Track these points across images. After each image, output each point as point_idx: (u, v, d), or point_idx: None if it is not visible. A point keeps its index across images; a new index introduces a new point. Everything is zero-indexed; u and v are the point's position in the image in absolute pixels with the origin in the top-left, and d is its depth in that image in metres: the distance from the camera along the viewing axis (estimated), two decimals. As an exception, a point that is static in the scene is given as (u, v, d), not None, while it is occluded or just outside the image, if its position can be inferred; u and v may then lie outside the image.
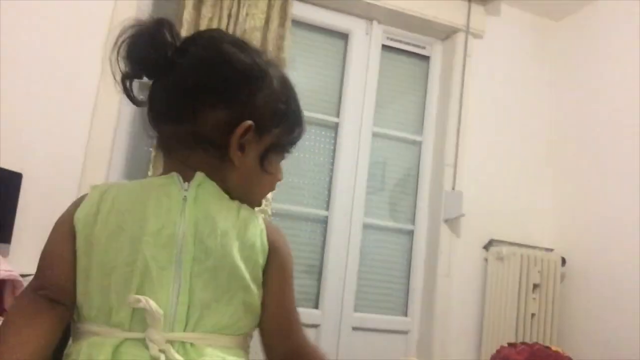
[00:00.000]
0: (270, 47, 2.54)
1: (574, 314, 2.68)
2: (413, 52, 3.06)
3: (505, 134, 2.99)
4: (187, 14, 2.42)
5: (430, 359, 2.70)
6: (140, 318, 0.69)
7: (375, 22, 2.95)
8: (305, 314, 2.67)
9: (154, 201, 0.74)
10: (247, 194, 0.81)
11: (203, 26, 2.43)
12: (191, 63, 0.78)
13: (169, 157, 0.80)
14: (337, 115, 2.86)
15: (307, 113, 2.89)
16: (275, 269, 0.79)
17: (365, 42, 2.94)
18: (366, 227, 2.84)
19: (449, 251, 2.82)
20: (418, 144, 3.02)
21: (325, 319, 2.69)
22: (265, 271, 0.78)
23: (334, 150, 2.84)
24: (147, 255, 0.70)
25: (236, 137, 0.78)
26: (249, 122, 0.78)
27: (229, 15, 2.48)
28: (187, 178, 0.77)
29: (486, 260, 2.82)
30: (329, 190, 2.81)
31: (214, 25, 2.45)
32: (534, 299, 2.63)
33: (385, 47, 2.98)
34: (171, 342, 0.68)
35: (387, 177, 2.97)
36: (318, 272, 2.74)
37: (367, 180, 2.86)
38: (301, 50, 2.83)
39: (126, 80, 0.80)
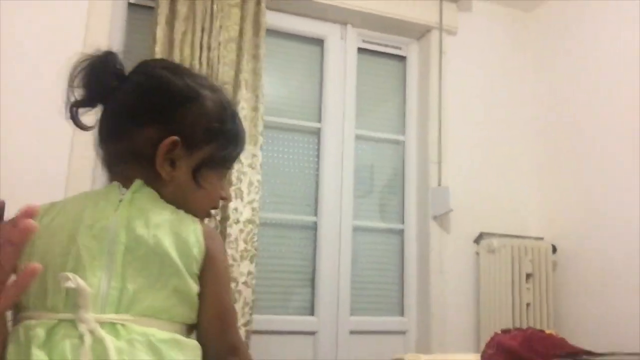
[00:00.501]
0: (246, 57, 2.55)
1: (567, 300, 2.69)
2: (389, 53, 3.08)
3: (488, 126, 3.01)
4: (160, 30, 2.42)
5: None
6: (73, 302, 0.72)
7: (349, 26, 2.96)
8: (301, 321, 2.66)
9: (92, 203, 0.81)
10: (183, 208, 0.85)
11: (177, 41, 2.43)
12: (129, 88, 0.88)
13: (111, 172, 0.89)
14: (319, 120, 2.86)
15: (288, 120, 2.91)
16: (211, 271, 0.82)
17: (341, 47, 2.95)
18: (356, 229, 2.84)
19: (439, 248, 2.82)
20: (401, 144, 3.03)
21: (322, 326, 2.68)
22: (201, 273, 0.81)
23: (318, 156, 2.84)
24: (80, 245, 0.76)
25: (161, 151, 0.84)
26: (174, 137, 0.84)
27: (202, 29, 2.49)
28: (127, 187, 0.84)
29: (478, 253, 2.82)
30: (316, 196, 2.80)
31: (189, 40, 2.45)
32: (528, 288, 2.64)
33: (361, 50, 3.00)
34: (101, 323, 0.71)
35: (374, 179, 2.97)
36: (311, 279, 2.73)
37: (355, 183, 2.86)
38: (278, 58, 2.83)
39: (74, 107, 0.88)
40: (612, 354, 1.27)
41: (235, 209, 2.41)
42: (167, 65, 0.95)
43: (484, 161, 2.95)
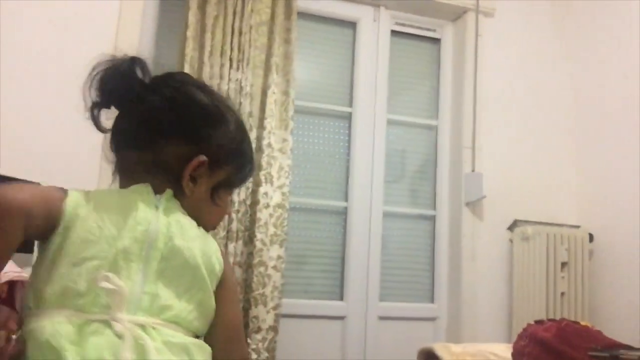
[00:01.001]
0: (278, 41, 2.53)
1: (604, 290, 2.62)
2: (423, 36, 3.02)
3: (523, 111, 2.93)
4: (192, 15, 2.41)
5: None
6: (104, 304, 0.73)
7: (382, 8, 2.91)
8: (330, 306, 2.66)
9: (132, 204, 0.81)
10: (196, 222, 0.87)
11: (209, 25, 2.42)
12: (161, 100, 0.87)
13: (129, 180, 0.88)
14: (350, 104, 2.83)
15: (319, 104, 2.89)
16: (227, 289, 0.86)
17: (374, 29, 2.90)
18: (386, 215, 2.81)
19: (472, 234, 2.77)
20: (434, 129, 2.97)
21: (351, 311, 2.68)
22: (217, 290, 0.85)
23: (349, 141, 2.81)
24: (120, 248, 0.75)
25: (189, 169, 0.86)
26: (203, 157, 0.87)
27: (234, 13, 2.47)
28: (156, 192, 0.85)
29: (511, 241, 2.77)
30: (347, 181, 2.78)
31: (220, 24, 2.44)
32: (563, 277, 2.58)
33: (394, 33, 2.94)
34: (136, 324, 0.72)
35: (405, 164, 2.93)
36: (341, 264, 2.72)
37: (386, 168, 2.83)
38: (309, 42, 2.80)
39: (94, 108, 0.88)
40: (652, 348, 1.22)
41: (265, 194, 2.41)
42: (197, 84, 0.94)
43: (519, 147, 2.88)
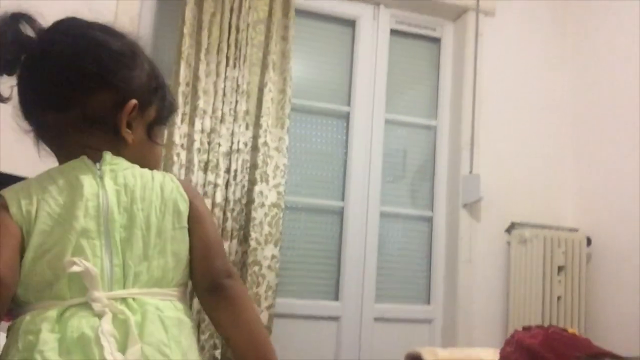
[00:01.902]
0: (275, 39, 2.51)
1: (601, 295, 2.60)
2: (423, 35, 2.99)
3: (523, 113, 2.90)
4: (189, 11, 2.40)
5: (456, 347, 2.64)
6: (78, 287, 0.72)
7: (382, 7, 2.89)
8: (325, 306, 2.65)
9: (75, 182, 0.78)
10: (144, 166, 0.86)
11: (206, 22, 2.41)
12: (63, 52, 0.83)
13: (65, 144, 0.84)
14: (348, 104, 2.81)
15: (316, 103, 2.87)
16: (196, 216, 0.86)
17: (373, 28, 2.88)
18: (384, 215, 2.79)
19: (469, 236, 2.75)
20: (433, 129, 2.95)
21: (346, 311, 2.66)
22: (190, 222, 0.85)
23: (347, 140, 2.80)
24: (77, 228, 0.74)
25: (125, 116, 0.84)
26: (134, 100, 0.84)
27: (232, 10, 2.46)
28: (94, 159, 0.82)
29: (509, 243, 2.74)
30: (344, 181, 2.77)
31: (217, 21, 2.43)
32: (560, 281, 2.56)
33: (393, 32, 2.92)
34: (115, 299, 0.72)
35: (404, 165, 2.92)
36: (336, 264, 2.71)
37: (384, 169, 2.81)
38: (307, 40, 2.79)
39: None
40: (638, 358, 1.20)
41: (261, 193, 2.40)
42: (97, 26, 0.90)
43: (518, 148, 2.85)
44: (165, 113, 0.93)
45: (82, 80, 0.83)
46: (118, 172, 0.81)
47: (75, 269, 0.71)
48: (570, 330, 1.37)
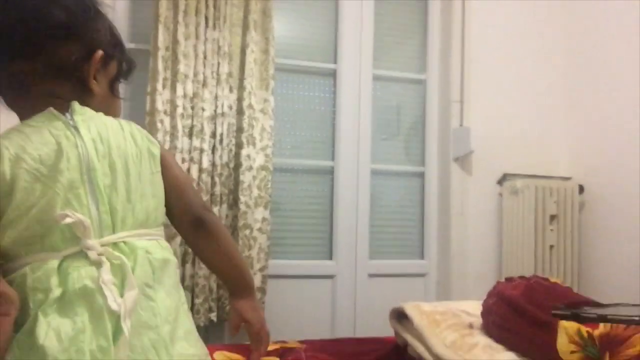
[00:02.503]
0: (255, -3, 2.45)
1: (594, 243, 2.60)
2: (409, -13, 2.91)
3: (513, 63, 2.84)
4: (164, -28, 2.33)
5: (450, 299, 2.67)
6: (70, 237, 0.75)
7: (365, -41, 2.80)
8: (319, 265, 2.67)
9: (50, 137, 0.78)
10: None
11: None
12: (32, 1, 0.83)
13: (31, 95, 0.84)
14: (335, 61, 2.76)
15: (302, 62, 2.81)
16: (163, 163, 0.90)
17: (357, -19, 2.80)
18: (375, 173, 2.78)
19: (461, 190, 2.74)
20: (423, 83, 2.90)
21: (340, 269, 2.68)
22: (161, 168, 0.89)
23: (334, 98, 2.76)
24: (64, 182, 0.76)
25: (93, 67, 0.86)
26: (101, 51, 0.86)
27: (208, -32, 2.38)
28: (63, 109, 0.82)
29: (501, 195, 2.74)
30: (333, 140, 2.74)
31: (194, -19, 2.36)
32: (552, 230, 2.56)
33: (378, -16, 2.84)
34: (107, 245, 0.75)
35: (393, 120, 2.88)
36: (329, 224, 2.71)
37: (373, 125, 2.78)
38: (289, -3, 2.71)
39: None
40: (617, 304, 1.21)
41: (248, 156, 2.39)
42: None
43: (508, 99, 2.81)
44: (125, 68, 0.95)
45: (50, 28, 0.83)
46: (90, 122, 0.82)
47: (67, 220, 0.73)
48: (552, 279, 1.37)
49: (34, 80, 0.83)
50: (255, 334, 1.00)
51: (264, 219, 2.40)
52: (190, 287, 2.28)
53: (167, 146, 2.28)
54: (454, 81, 2.78)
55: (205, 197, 2.32)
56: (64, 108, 0.82)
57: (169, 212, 0.92)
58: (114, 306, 0.70)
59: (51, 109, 0.81)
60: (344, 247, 2.70)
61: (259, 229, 2.39)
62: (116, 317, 0.71)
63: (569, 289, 1.33)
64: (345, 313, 2.67)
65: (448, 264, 2.73)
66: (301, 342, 1.58)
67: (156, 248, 0.82)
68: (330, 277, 2.68)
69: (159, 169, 0.88)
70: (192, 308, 2.28)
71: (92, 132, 0.81)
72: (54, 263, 0.73)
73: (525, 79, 2.84)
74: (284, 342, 1.59)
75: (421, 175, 2.86)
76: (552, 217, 2.58)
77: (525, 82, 2.84)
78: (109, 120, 0.85)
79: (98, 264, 0.73)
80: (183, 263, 2.28)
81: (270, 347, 1.53)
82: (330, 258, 2.69)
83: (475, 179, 2.75)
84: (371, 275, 2.72)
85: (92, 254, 0.74)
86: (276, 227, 2.57)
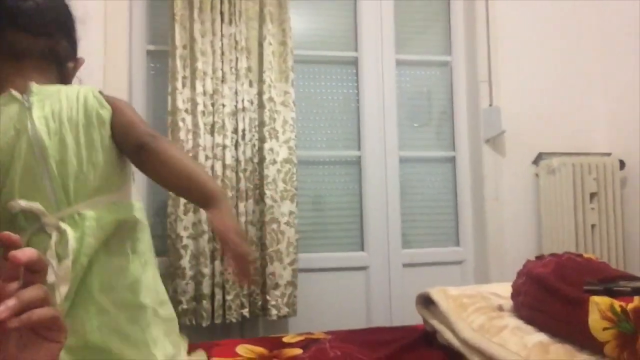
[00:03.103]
0: (270, -11, 2.42)
1: (638, 220, 2.46)
2: (429, -33, 2.82)
3: (543, 38, 2.72)
4: (178, -29, 2.33)
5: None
6: (32, 216, 0.82)
7: (381, -58, 2.73)
8: (351, 257, 2.62)
9: (8, 124, 0.84)
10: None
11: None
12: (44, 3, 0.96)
13: (14, 64, 0.91)
14: (355, 49, 2.71)
15: (322, 52, 2.76)
16: (115, 113, 0.95)
17: (374, -34, 2.73)
18: (403, 160, 2.71)
19: (494, 173, 2.64)
20: (448, 65, 2.82)
21: (373, 260, 2.63)
22: (112, 121, 0.94)
23: (357, 87, 2.70)
24: (17, 169, 0.81)
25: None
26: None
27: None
28: (23, 89, 0.88)
29: (537, 175, 2.62)
30: (359, 129, 2.69)
31: (208, -22, 2.35)
32: (593, 209, 2.43)
33: (396, -33, 2.77)
34: (62, 219, 0.81)
35: (420, 105, 2.81)
36: (359, 215, 2.66)
37: (399, 111, 2.72)
38: (305, -13, 2.67)
39: None
40: (656, 278, 1.12)
41: (271, 150, 2.36)
42: None
43: (539, 76, 2.69)
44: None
45: (60, 19, 0.95)
46: (45, 100, 0.87)
47: (20, 207, 0.81)
48: (586, 255, 1.29)
49: (28, 54, 0.92)
50: (223, 242, 0.96)
51: (290, 213, 2.37)
52: (220, 284, 2.28)
53: (190, 144, 2.28)
54: (481, 61, 2.68)
55: (230, 193, 2.30)
56: (25, 88, 0.89)
57: (121, 145, 0.95)
58: (50, 279, 0.77)
59: (10, 91, 0.88)
60: (375, 237, 2.64)
61: (287, 223, 2.36)
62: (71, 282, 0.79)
63: (604, 264, 1.25)
64: (381, 304, 2.61)
65: (485, 250, 2.64)
66: (327, 332, 1.54)
67: (110, 212, 0.86)
68: (363, 268, 2.62)
69: (109, 132, 0.91)
70: (224, 304, 2.27)
71: (46, 111, 0.86)
72: (24, 240, 0.80)
73: (557, 53, 2.71)
74: (309, 333, 1.55)
75: (452, 160, 2.78)
76: (592, 195, 2.45)
77: (557, 57, 2.71)
78: (69, 92, 0.90)
79: (51, 237, 0.82)
80: (212, 260, 2.28)
81: (296, 339, 1.51)
82: (362, 249, 2.64)
83: (509, 160, 2.65)
84: (405, 265, 2.66)
85: (49, 229, 0.81)
86: (305, 221, 2.54)
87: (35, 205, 0.81)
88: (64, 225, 0.82)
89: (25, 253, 0.47)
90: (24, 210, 0.81)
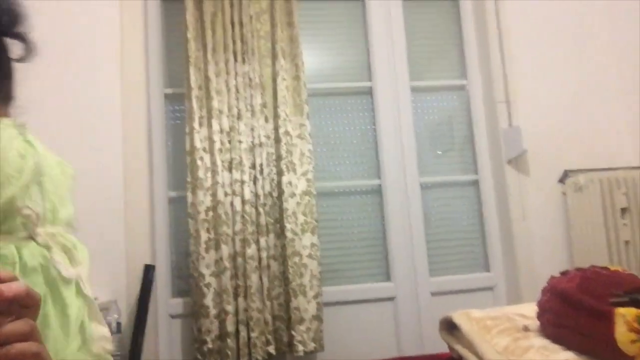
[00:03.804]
0: (280, 26, 2.47)
1: (675, 232, 2.36)
2: (438, -7, 2.84)
3: (560, 52, 2.69)
4: (190, 15, 2.40)
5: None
6: (22, 225, 0.80)
7: (388, -27, 2.77)
8: (377, 288, 2.57)
9: (11, 144, 0.82)
10: None
11: (208, 22, 2.40)
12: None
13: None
14: (369, 78, 2.72)
15: (336, 84, 2.77)
16: None
17: (383, -4, 2.77)
18: (425, 187, 2.67)
19: (519, 193, 2.58)
20: (464, 89, 2.80)
21: (400, 290, 2.57)
22: None
23: (374, 116, 2.70)
24: (23, 180, 0.81)
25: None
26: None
27: (232, 5, 2.44)
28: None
29: (564, 194, 2.55)
30: (377, 157, 2.67)
31: (219, 20, 2.41)
32: (625, 224, 2.34)
33: (405, -4, 2.79)
34: (52, 235, 0.81)
35: (438, 130, 2.78)
36: (383, 244, 2.62)
37: (418, 138, 2.69)
38: (315, 22, 2.72)
39: None
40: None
41: (290, 183, 2.36)
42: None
43: (559, 92, 2.65)
44: None
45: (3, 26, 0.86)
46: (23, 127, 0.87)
47: (26, 212, 0.80)
48: (613, 268, 1.23)
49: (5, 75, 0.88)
50: None
51: (312, 245, 2.35)
52: (244, 321, 2.25)
53: (209, 182, 2.30)
54: (497, 81, 2.66)
55: (250, 228, 2.30)
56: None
57: None
58: (67, 273, 0.77)
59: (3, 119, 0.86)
60: (401, 266, 2.59)
61: (309, 255, 2.33)
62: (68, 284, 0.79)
63: (632, 275, 1.18)
64: (411, 335, 2.53)
65: (516, 273, 2.55)
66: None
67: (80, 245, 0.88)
68: (391, 299, 2.56)
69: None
70: (248, 342, 2.24)
71: (30, 137, 0.86)
72: (12, 245, 0.79)
73: (574, 66, 2.67)
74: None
75: (475, 183, 2.73)
76: (624, 211, 2.36)
77: (574, 70, 2.67)
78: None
79: (47, 247, 0.80)
80: (235, 297, 2.26)
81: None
82: (389, 279, 2.59)
83: (534, 180, 2.59)
84: (434, 294, 2.59)
85: (40, 239, 0.80)
86: (328, 253, 2.51)
87: (40, 214, 0.83)
88: (60, 237, 0.83)
89: (12, 288, 0.47)
90: (22, 217, 0.82)
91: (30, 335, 0.47)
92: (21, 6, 0.88)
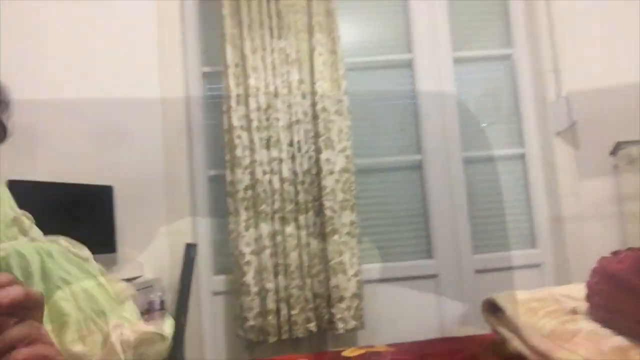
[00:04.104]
0: (316, -1, 2.40)
1: None
2: (481, -42, 2.71)
3: (613, 16, 2.53)
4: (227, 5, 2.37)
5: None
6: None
7: (428, -61, 2.65)
8: (419, 265, 2.53)
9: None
10: None
11: (244, 8, 2.36)
12: None
13: None
14: (409, 50, 2.63)
15: (375, 57, 2.70)
16: None
17: (423, -36, 2.66)
18: (468, 161, 2.59)
19: (569, 167, 2.47)
20: (509, 58, 2.68)
21: (443, 268, 2.52)
22: None
23: (414, 89, 2.62)
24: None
25: None
26: None
27: (267, -20, 2.39)
28: None
29: (616, 166, 2.42)
30: (417, 132, 2.60)
31: (255, 7, 2.37)
32: (684, 198, 2.21)
33: (446, -37, 2.67)
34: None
35: (482, 102, 2.68)
36: (424, 221, 2.56)
37: (460, 110, 2.60)
38: (353, -7, 2.64)
39: None
40: None
41: (328, 160, 2.32)
42: None
43: (610, 60, 2.50)
44: None
45: None
46: None
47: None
48: (669, 248, 1.14)
49: None
50: None
51: (352, 222, 2.32)
52: (285, 299, 2.25)
53: (247, 160, 2.30)
54: (545, 49, 2.53)
55: (289, 206, 2.29)
56: None
57: None
58: (83, 253, 0.91)
59: None
60: (443, 243, 2.53)
61: (348, 233, 2.30)
62: None
63: (690, 257, 1.10)
64: (453, 313, 2.49)
65: (564, 251, 2.46)
66: (389, 345, 1.47)
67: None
68: (433, 276, 2.52)
69: None
70: (289, 319, 2.24)
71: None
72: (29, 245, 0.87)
73: (628, 33, 2.51)
74: (370, 346, 1.48)
75: (521, 156, 2.62)
76: (682, 184, 2.23)
77: (629, 37, 2.51)
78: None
79: (52, 241, 0.89)
80: (275, 275, 2.26)
81: (355, 353, 1.44)
82: (431, 257, 2.54)
83: (584, 153, 2.47)
84: (478, 271, 2.52)
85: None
86: (369, 230, 2.48)
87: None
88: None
89: (9, 294, 0.45)
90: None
91: (37, 338, 0.46)
92: (5, 93, 0.89)
